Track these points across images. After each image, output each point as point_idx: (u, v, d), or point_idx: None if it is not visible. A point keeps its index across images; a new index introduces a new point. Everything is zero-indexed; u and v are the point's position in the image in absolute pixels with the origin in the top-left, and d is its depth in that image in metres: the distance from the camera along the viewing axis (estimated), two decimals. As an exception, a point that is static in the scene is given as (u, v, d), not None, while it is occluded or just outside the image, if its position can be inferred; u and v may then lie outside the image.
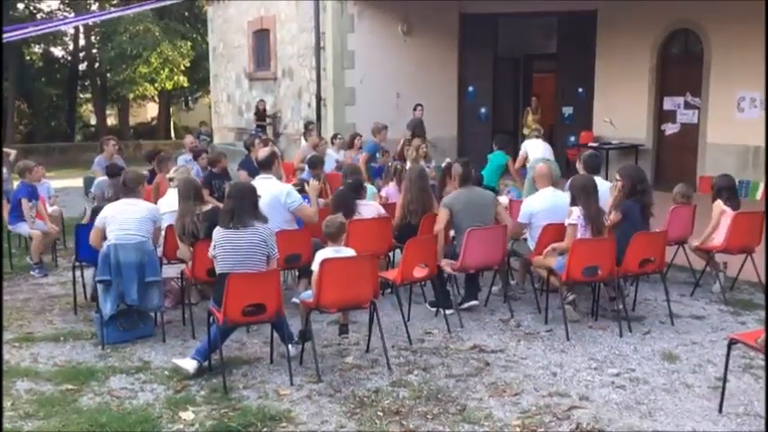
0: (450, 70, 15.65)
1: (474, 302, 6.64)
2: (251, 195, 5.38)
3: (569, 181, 6.40)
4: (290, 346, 5.36)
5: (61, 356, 5.66)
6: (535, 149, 10.07)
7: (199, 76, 28.82)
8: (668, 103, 13.55)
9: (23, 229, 8.32)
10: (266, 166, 6.86)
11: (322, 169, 9.19)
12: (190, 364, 5.19)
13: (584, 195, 6.12)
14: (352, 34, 14.55)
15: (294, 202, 6.62)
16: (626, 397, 4.79)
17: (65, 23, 23.15)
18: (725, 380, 4.61)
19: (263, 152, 7.19)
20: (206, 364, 5.24)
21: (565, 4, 13.86)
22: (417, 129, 11.67)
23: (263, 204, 5.82)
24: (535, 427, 4.37)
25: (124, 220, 5.90)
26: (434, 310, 6.51)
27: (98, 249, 5.95)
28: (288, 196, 6.61)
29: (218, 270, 5.27)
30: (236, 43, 18.61)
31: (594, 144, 13.77)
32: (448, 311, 6.26)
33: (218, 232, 5.27)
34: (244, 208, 5.24)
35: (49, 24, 20.82)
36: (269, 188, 6.50)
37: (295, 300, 6.28)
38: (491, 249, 6.42)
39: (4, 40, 11.03)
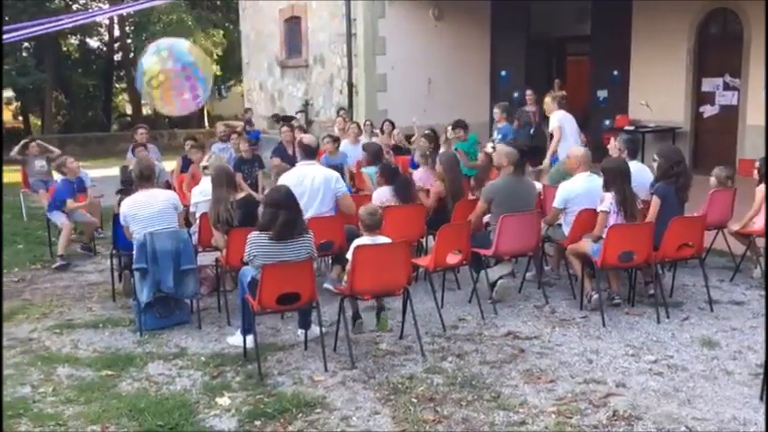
0: (482, 55, 15.48)
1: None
2: (296, 204, 5.32)
3: (602, 164, 6.29)
4: (300, 330, 5.54)
5: (100, 343, 5.76)
6: (569, 126, 9.75)
7: (231, 65, 28.92)
8: (707, 85, 13.23)
9: (59, 218, 8.44)
10: (312, 153, 6.83)
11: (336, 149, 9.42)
12: (239, 339, 5.37)
13: (619, 179, 6.02)
14: (383, 20, 14.51)
15: (342, 188, 6.64)
16: (664, 384, 4.72)
17: (99, 14, 23.40)
18: (766, 366, 4.51)
19: (308, 138, 7.12)
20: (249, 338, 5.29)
21: (598, -16, 13.64)
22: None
23: (314, 186, 5.94)
24: (571, 414, 4.34)
25: (147, 217, 5.96)
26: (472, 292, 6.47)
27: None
28: (337, 182, 6.62)
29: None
30: (267, 31, 18.63)
31: (631, 127, 13.54)
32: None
33: (261, 241, 5.09)
34: (296, 220, 5.18)
35: (84, 15, 21.04)
36: (320, 171, 6.57)
37: (326, 285, 6.33)
38: (525, 235, 6.36)
39: (42, 32, 11.21)
